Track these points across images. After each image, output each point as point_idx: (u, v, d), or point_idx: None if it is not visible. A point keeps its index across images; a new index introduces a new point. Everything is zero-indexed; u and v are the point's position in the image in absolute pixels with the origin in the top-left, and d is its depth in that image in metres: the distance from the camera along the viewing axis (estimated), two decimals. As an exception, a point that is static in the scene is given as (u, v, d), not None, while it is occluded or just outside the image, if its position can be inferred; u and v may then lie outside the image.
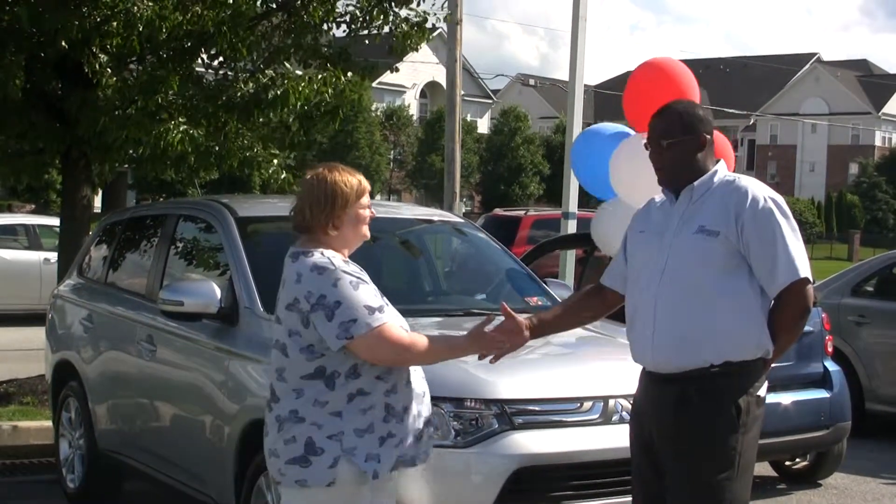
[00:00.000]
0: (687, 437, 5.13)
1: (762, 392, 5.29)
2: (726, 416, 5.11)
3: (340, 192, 5.14)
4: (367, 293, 4.97)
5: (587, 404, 6.50)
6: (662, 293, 5.19)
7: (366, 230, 5.22)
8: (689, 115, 5.37)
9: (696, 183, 5.27)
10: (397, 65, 14.83)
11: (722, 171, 5.34)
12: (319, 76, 12.35)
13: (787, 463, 10.97)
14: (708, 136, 5.35)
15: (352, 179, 5.20)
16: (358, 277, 5.00)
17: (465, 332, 5.27)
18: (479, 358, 5.38)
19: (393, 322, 5.00)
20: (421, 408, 5.15)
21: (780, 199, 5.25)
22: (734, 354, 5.13)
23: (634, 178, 8.83)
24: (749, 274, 5.16)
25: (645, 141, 5.41)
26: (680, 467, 5.15)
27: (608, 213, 9.84)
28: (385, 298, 5.13)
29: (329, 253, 5.07)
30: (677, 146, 5.30)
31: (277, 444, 5.02)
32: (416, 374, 5.18)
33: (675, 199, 5.35)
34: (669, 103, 5.55)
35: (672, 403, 5.16)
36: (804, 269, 5.17)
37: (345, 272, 4.98)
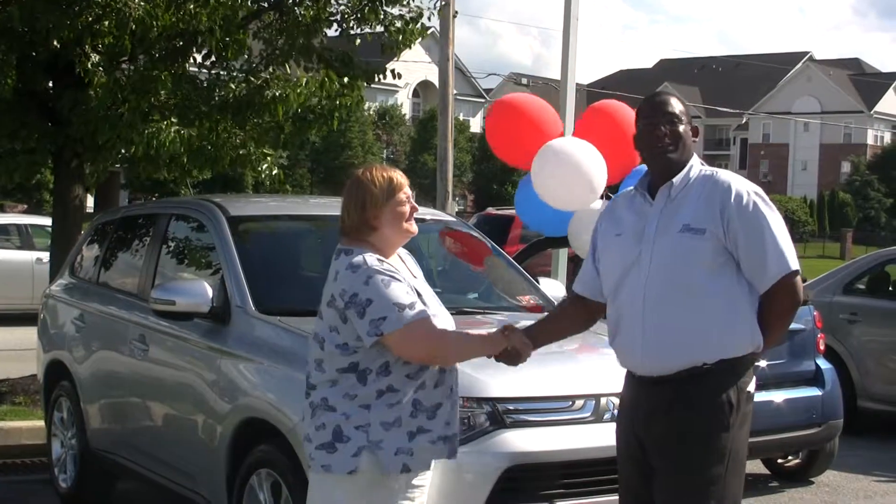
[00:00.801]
0: (678, 435, 5.07)
1: (751, 388, 5.23)
2: (719, 413, 5.06)
3: (370, 192, 5.19)
4: (398, 290, 5.01)
5: (579, 402, 6.49)
6: (650, 296, 5.10)
7: (410, 226, 5.24)
8: (684, 106, 5.39)
9: (674, 180, 5.19)
10: (389, 65, 14.82)
11: (697, 165, 5.26)
12: (315, 79, 12.32)
13: (780, 461, 10.99)
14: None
15: (383, 177, 5.22)
16: (390, 275, 5.04)
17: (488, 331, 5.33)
18: (499, 358, 5.35)
19: (424, 318, 5.02)
20: (451, 402, 5.21)
21: (762, 191, 5.20)
22: (727, 352, 5.08)
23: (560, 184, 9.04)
24: (737, 270, 5.09)
25: (647, 121, 5.26)
26: (672, 466, 5.10)
27: (581, 220, 9.77)
28: (432, 298, 5.24)
29: (367, 252, 5.13)
30: (683, 131, 5.23)
31: (310, 430, 5.14)
32: (450, 374, 5.23)
33: (649, 197, 5.26)
34: (661, 91, 5.57)
35: (665, 405, 5.10)
36: (794, 262, 5.14)
37: (377, 270, 5.03)
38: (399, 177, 5.26)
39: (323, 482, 5.14)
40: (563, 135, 10.02)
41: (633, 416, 5.26)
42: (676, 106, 5.28)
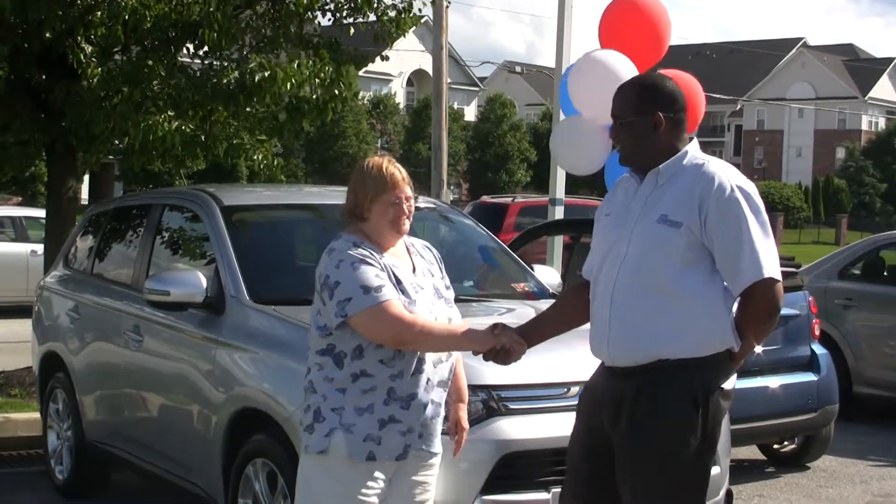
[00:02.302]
0: (645, 431, 4.92)
1: (729, 385, 5.04)
2: (685, 410, 4.89)
3: (364, 182, 5.25)
4: (366, 273, 5.06)
5: (574, 389, 6.47)
6: (620, 284, 4.98)
7: (401, 224, 5.25)
8: (645, 94, 5.10)
9: (661, 166, 5.02)
10: (384, 52, 14.80)
11: (692, 151, 5.07)
12: (308, 63, 12.29)
13: (776, 446, 11.00)
14: (666, 115, 5.04)
15: (382, 171, 5.24)
16: (361, 259, 5.09)
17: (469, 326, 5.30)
18: (487, 356, 5.26)
19: (391, 301, 5.04)
20: (432, 396, 5.21)
21: (751, 187, 5.00)
22: (691, 351, 4.90)
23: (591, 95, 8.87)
24: (711, 267, 4.91)
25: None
26: (636, 462, 4.97)
27: (565, 128, 9.59)
28: (428, 292, 5.26)
29: (350, 237, 5.22)
30: (627, 127, 5.08)
31: (300, 412, 5.28)
32: (439, 368, 5.23)
33: (641, 181, 5.11)
34: (634, 78, 5.44)
35: (630, 397, 4.97)
36: (770, 268, 4.86)
37: (348, 254, 5.10)
38: (400, 176, 5.26)
39: (303, 462, 5.25)
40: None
41: (599, 405, 5.14)
42: (628, 99, 5.11)
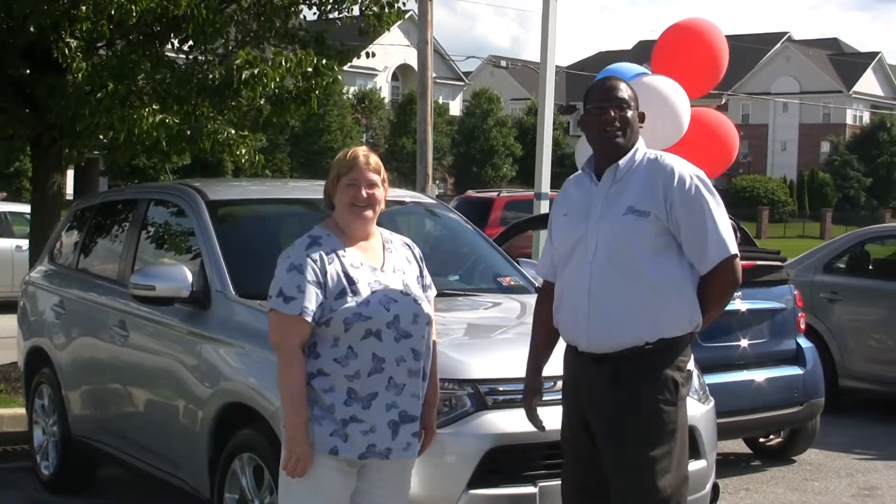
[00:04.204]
0: (626, 413, 5.21)
1: (690, 366, 5.43)
2: (664, 391, 5.21)
3: (333, 168, 5.33)
4: (292, 279, 5.12)
5: (560, 383, 6.49)
6: (595, 275, 5.25)
7: (361, 212, 5.27)
8: (634, 92, 5.48)
9: (620, 162, 5.32)
10: (369, 48, 14.79)
11: (643, 148, 5.39)
12: (291, 57, 12.27)
13: (762, 440, 11.03)
14: (640, 113, 5.46)
15: (347, 155, 5.32)
16: (300, 263, 5.13)
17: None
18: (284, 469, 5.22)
19: (292, 317, 5.08)
20: (396, 399, 5.18)
21: (704, 175, 5.34)
22: (668, 331, 5.23)
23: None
24: (678, 251, 5.25)
25: (597, 105, 5.38)
26: (621, 443, 5.23)
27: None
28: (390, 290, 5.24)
29: (317, 230, 5.29)
30: (628, 119, 5.34)
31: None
32: (403, 366, 5.21)
33: (596, 178, 5.39)
34: (614, 76, 5.67)
35: (607, 381, 5.25)
36: (732, 246, 5.26)
37: (296, 253, 5.19)
38: (363, 160, 5.29)
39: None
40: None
41: (575, 394, 5.41)
42: (626, 91, 5.41)
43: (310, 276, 5.11)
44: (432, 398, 5.49)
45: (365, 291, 5.17)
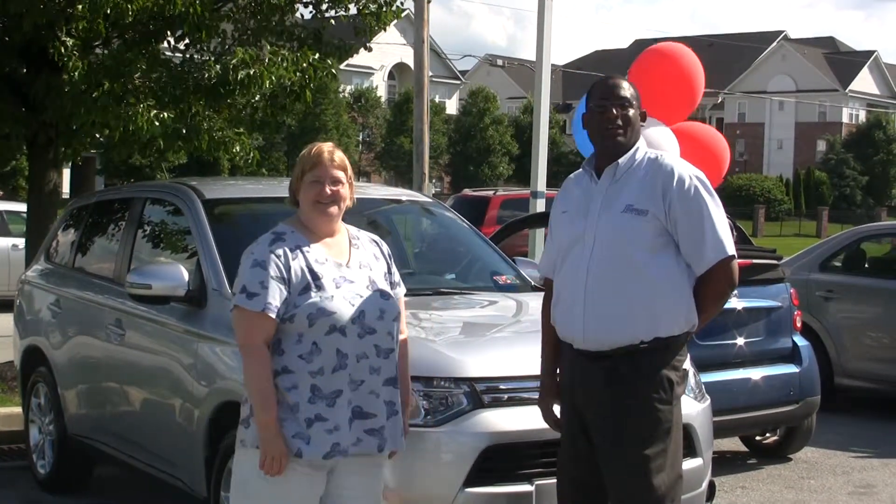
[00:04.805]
0: (622, 412, 5.23)
1: (686, 365, 5.45)
2: (659, 390, 5.23)
3: (297, 164, 5.29)
4: (255, 275, 5.10)
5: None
6: (592, 272, 5.26)
7: (325, 208, 5.23)
8: (637, 91, 5.50)
9: (620, 161, 5.34)
10: (367, 45, 14.79)
11: (643, 148, 5.42)
12: (287, 56, 12.26)
13: (758, 438, 11.03)
14: (642, 112, 5.50)
15: (311, 151, 5.27)
16: (263, 259, 5.11)
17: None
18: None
19: (255, 313, 5.04)
20: (352, 395, 5.11)
21: (704, 176, 5.36)
22: (664, 331, 5.25)
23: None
24: (676, 251, 5.26)
25: (599, 103, 5.39)
26: (617, 442, 5.25)
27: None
28: (358, 287, 5.18)
29: (281, 226, 5.26)
30: (630, 118, 5.37)
31: (244, 406, 5.21)
32: (364, 363, 5.15)
33: (596, 177, 5.41)
34: (616, 75, 5.65)
35: (603, 380, 5.26)
36: (730, 247, 5.28)
37: (259, 248, 5.16)
38: (327, 157, 5.23)
39: (239, 457, 5.23)
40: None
41: (571, 392, 5.41)
42: (628, 90, 5.43)
43: (273, 272, 5.08)
44: (405, 399, 5.41)
45: (329, 287, 5.13)
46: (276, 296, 5.06)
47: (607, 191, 5.34)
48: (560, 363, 5.56)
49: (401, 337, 5.37)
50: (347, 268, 5.25)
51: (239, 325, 5.14)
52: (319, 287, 5.12)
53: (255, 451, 5.06)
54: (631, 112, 5.36)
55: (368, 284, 5.25)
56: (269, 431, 5.01)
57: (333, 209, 5.24)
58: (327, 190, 5.21)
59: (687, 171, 5.28)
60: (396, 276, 5.46)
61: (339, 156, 5.29)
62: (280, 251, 5.13)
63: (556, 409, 5.65)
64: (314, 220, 5.25)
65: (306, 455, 5.03)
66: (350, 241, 5.36)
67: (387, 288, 5.32)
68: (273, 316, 5.05)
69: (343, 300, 5.13)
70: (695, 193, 5.23)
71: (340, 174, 5.24)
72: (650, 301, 5.21)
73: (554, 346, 5.62)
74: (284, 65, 12.06)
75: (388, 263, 5.44)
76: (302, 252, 5.17)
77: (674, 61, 9.74)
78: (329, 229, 5.29)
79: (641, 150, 5.40)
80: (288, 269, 5.10)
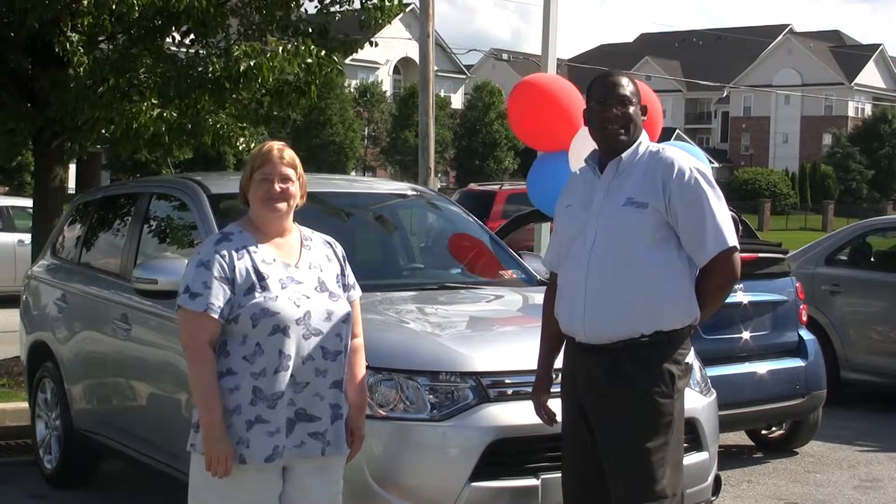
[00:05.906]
0: (622, 405, 5.23)
1: (689, 359, 5.43)
2: (660, 384, 5.22)
3: (247, 163, 5.26)
4: (199, 276, 5.05)
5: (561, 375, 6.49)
6: (593, 265, 5.27)
7: (273, 204, 5.17)
8: (637, 87, 5.50)
9: (623, 156, 5.34)
10: (372, 40, 14.78)
11: (646, 142, 5.42)
12: (289, 48, 12.24)
13: (764, 432, 11.03)
14: (643, 108, 5.50)
15: (261, 150, 5.23)
16: (207, 260, 5.06)
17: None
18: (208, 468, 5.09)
19: (198, 313, 4.99)
20: (294, 396, 5.05)
21: (705, 168, 5.36)
22: (665, 324, 5.24)
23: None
24: (677, 244, 5.26)
25: (599, 101, 5.39)
26: (616, 436, 5.26)
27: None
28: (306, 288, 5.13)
29: (231, 226, 5.24)
30: (631, 115, 5.36)
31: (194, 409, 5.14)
32: (309, 365, 5.09)
33: (599, 170, 5.41)
34: (617, 71, 5.62)
35: (604, 373, 5.26)
36: (731, 238, 5.26)
37: (205, 249, 5.12)
38: (276, 154, 5.19)
39: (193, 461, 5.17)
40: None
41: (573, 385, 5.42)
42: (628, 87, 5.41)
43: (217, 272, 5.02)
44: (359, 402, 5.36)
45: (275, 287, 5.07)
46: (219, 296, 5.00)
47: (610, 185, 5.34)
48: (563, 357, 5.56)
49: (354, 340, 5.32)
50: (296, 268, 5.18)
51: (183, 326, 5.08)
52: (264, 287, 5.05)
53: (203, 456, 5.02)
54: (631, 109, 5.35)
55: (317, 286, 5.18)
56: (212, 433, 4.95)
57: (282, 206, 5.17)
58: (276, 187, 5.15)
59: (687, 164, 5.27)
60: (351, 279, 5.38)
61: (290, 154, 5.24)
62: (225, 251, 5.08)
63: (551, 403, 5.65)
64: (263, 219, 5.20)
65: (248, 461, 4.98)
66: (301, 242, 5.30)
67: (337, 290, 5.25)
68: (216, 316, 4.99)
69: (288, 301, 5.06)
70: (695, 185, 5.22)
71: (290, 171, 5.19)
72: (650, 294, 5.20)
73: (553, 341, 5.63)
74: (285, 55, 12.03)
75: (341, 265, 5.36)
76: (248, 252, 5.11)
77: (544, 91, 9.47)
78: (279, 228, 5.22)
79: (644, 144, 5.40)
80: (232, 268, 5.05)
